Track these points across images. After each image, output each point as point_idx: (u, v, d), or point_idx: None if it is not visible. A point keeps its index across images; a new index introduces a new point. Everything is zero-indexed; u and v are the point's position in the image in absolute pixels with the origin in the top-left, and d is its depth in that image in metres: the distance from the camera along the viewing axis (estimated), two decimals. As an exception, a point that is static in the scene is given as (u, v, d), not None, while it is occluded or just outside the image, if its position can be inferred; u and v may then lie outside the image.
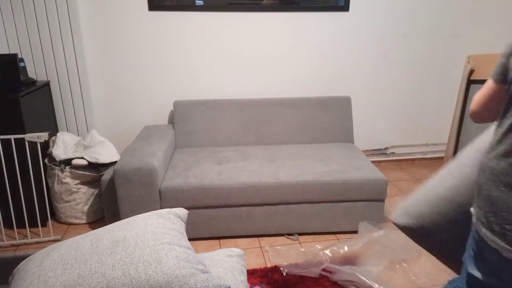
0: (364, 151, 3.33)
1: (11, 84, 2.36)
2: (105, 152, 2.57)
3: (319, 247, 2.19)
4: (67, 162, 2.46)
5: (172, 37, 2.85)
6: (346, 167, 2.40)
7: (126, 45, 2.82)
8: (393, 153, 3.41)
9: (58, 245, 0.82)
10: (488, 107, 1.05)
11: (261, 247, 2.28)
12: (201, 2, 2.80)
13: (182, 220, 0.91)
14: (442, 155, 2.41)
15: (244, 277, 0.86)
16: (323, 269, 1.99)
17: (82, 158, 2.47)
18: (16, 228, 2.31)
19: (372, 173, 2.32)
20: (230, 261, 0.87)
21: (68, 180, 2.45)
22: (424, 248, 1.38)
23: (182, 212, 0.94)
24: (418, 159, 3.44)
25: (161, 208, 2.24)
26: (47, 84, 2.65)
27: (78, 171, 2.46)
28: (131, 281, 0.69)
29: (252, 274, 2.01)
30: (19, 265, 0.82)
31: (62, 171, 2.44)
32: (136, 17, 2.77)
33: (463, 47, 3.19)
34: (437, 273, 1.99)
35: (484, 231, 0.99)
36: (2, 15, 2.51)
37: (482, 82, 2.04)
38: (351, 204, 2.32)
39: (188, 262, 0.74)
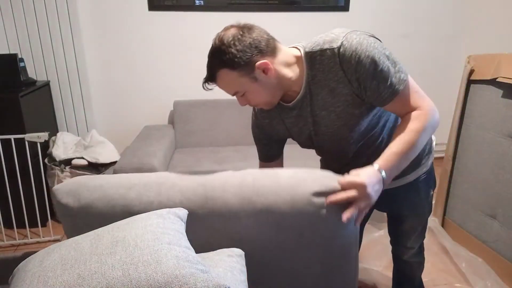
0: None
1: (11, 84, 2.35)
2: (105, 152, 2.57)
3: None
4: (67, 162, 2.46)
5: (172, 37, 2.85)
6: (346, 167, 2.40)
7: (126, 45, 2.82)
8: (393, 153, 3.40)
9: (58, 245, 0.82)
10: None
11: (261, 247, 2.28)
12: (201, 2, 2.80)
13: (182, 220, 0.91)
14: (442, 155, 2.41)
15: (244, 277, 0.86)
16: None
17: (82, 158, 2.46)
18: (16, 228, 2.30)
19: (372, 173, 2.32)
20: (230, 261, 0.86)
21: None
22: None
23: (182, 212, 0.94)
24: (418, 159, 3.43)
25: (161, 208, 2.24)
26: (47, 84, 2.65)
27: (78, 171, 2.45)
28: (131, 281, 0.69)
29: (252, 274, 2.01)
30: (19, 265, 0.82)
31: (62, 171, 2.44)
32: (136, 17, 2.77)
33: (463, 47, 3.19)
34: (437, 273, 1.99)
35: None
36: (2, 15, 2.51)
37: (482, 82, 2.03)
38: (351, 204, 2.32)
39: (188, 262, 0.74)
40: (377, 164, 0.98)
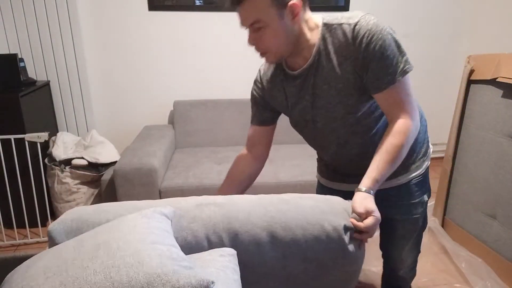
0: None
1: (11, 84, 2.36)
2: (105, 152, 2.57)
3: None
4: (67, 162, 2.46)
5: (172, 37, 2.85)
6: (346, 167, 2.39)
7: (126, 45, 2.82)
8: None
9: (44, 253, 0.82)
10: None
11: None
12: (201, 2, 2.80)
13: (168, 218, 0.91)
14: (442, 155, 2.40)
15: (237, 276, 0.86)
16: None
17: (82, 158, 2.47)
18: (16, 228, 2.31)
19: (371, 173, 2.31)
20: (222, 261, 0.86)
21: (68, 180, 2.46)
22: None
23: (168, 210, 0.93)
24: (419, 159, 3.42)
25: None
26: (47, 84, 2.66)
27: (78, 171, 2.46)
28: (113, 283, 0.69)
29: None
30: (7, 276, 0.81)
31: (62, 171, 2.44)
32: (136, 17, 2.77)
33: (463, 47, 3.18)
34: (437, 273, 1.98)
35: None
36: (2, 15, 2.52)
37: (482, 82, 2.02)
38: (351, 204, 2.31)
39: (171, 259, 0.74)
40: (364, 187, 1.02)
